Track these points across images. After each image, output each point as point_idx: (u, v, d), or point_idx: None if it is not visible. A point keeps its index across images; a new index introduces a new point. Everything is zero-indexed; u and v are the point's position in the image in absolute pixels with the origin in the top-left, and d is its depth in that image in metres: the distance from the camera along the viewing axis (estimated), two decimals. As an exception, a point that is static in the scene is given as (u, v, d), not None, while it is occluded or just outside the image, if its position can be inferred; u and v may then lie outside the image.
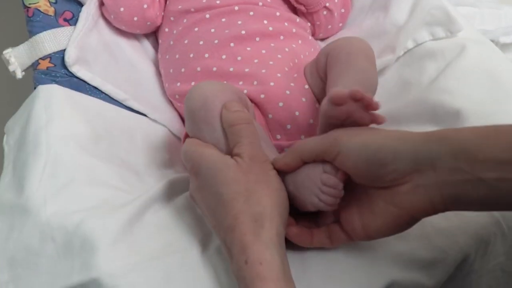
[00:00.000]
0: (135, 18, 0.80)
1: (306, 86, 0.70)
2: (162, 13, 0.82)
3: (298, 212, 0.58)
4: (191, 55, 0.74)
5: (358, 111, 0.53)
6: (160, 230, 0.61)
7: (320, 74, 0.69)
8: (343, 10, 0.86)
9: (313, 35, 0.85)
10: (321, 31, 0.86)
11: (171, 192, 0.65)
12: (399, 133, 0.52)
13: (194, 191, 0.59)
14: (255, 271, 0.50)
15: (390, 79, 0.78)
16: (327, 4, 0.82)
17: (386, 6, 0.81)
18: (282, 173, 0.57)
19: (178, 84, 0.76)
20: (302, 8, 0.82)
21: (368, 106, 0.53)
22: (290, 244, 0.55)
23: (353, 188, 0.56)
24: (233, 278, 0.56)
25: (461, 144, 0.49)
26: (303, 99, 0.69)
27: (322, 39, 0.88)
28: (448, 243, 0.59)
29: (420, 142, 0.50)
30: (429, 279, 0.58)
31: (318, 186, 0.55)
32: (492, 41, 0.88)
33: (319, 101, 0.69)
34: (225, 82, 0.70)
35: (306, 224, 0.59)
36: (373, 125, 0.55)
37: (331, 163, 0.55)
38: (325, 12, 0.83)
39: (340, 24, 0.87)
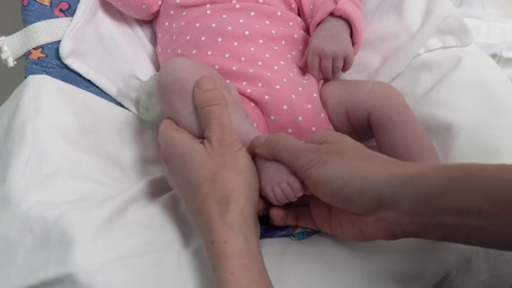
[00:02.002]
0: None
1: (315, 95, 0.69)
2: (160, 2, 0.81)
3: None
4: (194, 52, 0.73)
5: None
6: (140, 228, 0.60)
7: (351, 122, 0.68)
8: None
9: None
10: None
11: (154, 190, 0.65)
12: (365, 170, 0.52)
13: (167, 176, 0.62)
14: (220, 249, 0.53)
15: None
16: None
17: (397, 9, 0.78)
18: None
19: None
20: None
21: None
22: (265, 256, 0.55)
23: None
24: (209, 281, 0.56)
25: (424, 189, 0.49)
26: (309, 106, 0.68)
27: None
28: (429, 259, 0.58)
29: (384, 183, 0.51)
30: (408, 294, 0.57)
31: (279, 181, 0.57)
32: (496, 55, 0.87)
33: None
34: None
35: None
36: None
37: None
38: None
39: None
